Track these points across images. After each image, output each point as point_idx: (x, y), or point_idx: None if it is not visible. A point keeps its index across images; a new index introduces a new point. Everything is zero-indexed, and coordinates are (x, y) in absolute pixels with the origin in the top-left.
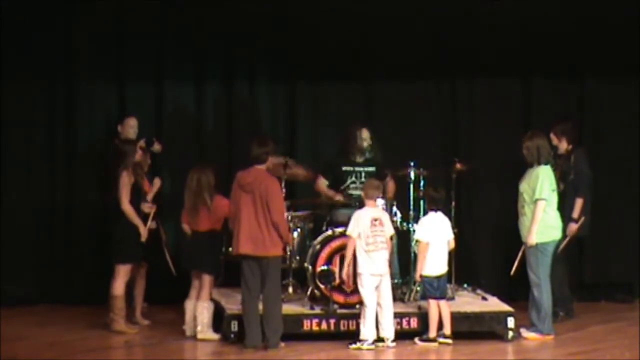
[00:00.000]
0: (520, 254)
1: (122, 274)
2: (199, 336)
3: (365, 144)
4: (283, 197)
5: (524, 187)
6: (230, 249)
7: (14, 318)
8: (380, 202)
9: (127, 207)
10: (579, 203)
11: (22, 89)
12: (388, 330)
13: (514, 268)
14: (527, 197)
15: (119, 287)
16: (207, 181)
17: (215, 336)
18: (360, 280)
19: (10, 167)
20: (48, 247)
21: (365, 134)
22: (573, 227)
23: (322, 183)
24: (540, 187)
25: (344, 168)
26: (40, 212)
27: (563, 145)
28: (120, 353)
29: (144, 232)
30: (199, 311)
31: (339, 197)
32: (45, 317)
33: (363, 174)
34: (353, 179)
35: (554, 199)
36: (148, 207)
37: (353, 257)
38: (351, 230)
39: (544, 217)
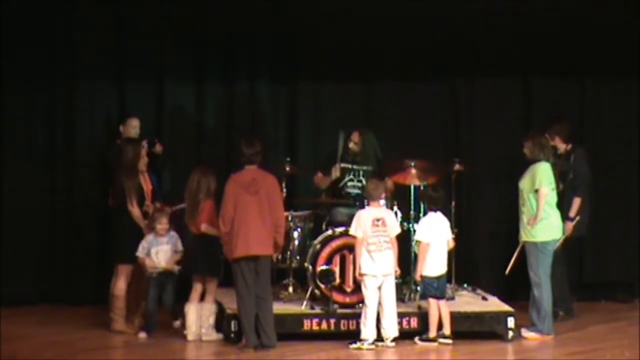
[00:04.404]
0: (516, 252)
1: (123, 274)
2: (204, 338)
3: (356, 148)
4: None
5: (523, 184)
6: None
7: (14, 318)
8: (381, 202)
9: (135, 209)
10: (576, 202)
11: (22, 89)
12: (390, 330)
13: (509, 267)
14: (526, 194)
15: (119, 287)
16: (207, 184)
17: (219, 336)
18: (363, 281)
19: (10, 167)
20: (48, 247)
21: (356, 137)
22: (569, 225)
23: (319, 177)
24: (540, 180)
25: (343, 165)
26: (40, 212)
27: (559, 145)
28: (120, 353)
29: (147, 232)
30: (205, 313)
31: (335, 171)
32: (45, 317)
33: (361, 173)
34: (351, 177)
35: (553, 196)
36: (148, 206)
37: (355, 257)
38: (354, 230)
39: (543, 216)
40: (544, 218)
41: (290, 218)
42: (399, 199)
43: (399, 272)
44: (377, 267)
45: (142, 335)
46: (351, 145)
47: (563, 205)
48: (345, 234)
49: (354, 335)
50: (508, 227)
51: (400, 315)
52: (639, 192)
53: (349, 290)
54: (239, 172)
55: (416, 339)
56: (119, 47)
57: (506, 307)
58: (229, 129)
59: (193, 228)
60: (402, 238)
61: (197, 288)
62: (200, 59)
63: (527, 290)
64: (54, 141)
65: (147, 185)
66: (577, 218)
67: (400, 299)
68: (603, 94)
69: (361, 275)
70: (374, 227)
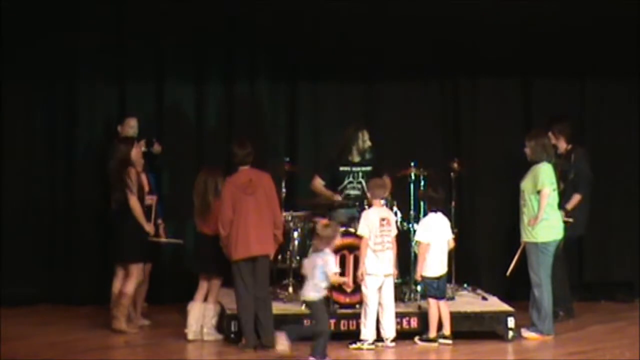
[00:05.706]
0: (518, 253)
1: (135, 272)
2: (206, 338)
3: (367, 145)
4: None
5: (525, 184)
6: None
7: (14, 318)
8: (382, 201)
9: (135, 204)
10: (576, 198)
11: (22, 89)
12: (389, 330)
13: (510, 267)
14: (527, 195)
15: (130, 285)
16: (214, 184)
17: (220, 336)
18: (364, 281)
19: (10, 167)
20: (48, 247)
21: (366, 135)
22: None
23: (319, 183)
24: (542, 181)
25: (342, 168)
26: (40, 212)
27: (562, 145)
28: (120, 353)
29: (150, 228)
30: (209, 314)
31: (337, 197)
32: (45, 317)
33: (360, 174)
34: (350, 179)
35: (554, 197)
36: (149, 200)
37: (355, 257)
38: (362, 230)
39: (544, 216)
40: (545, 219)
41: (290, 218)
42: (399, 199)
43: (396, 272)
44: (381, 267)
45: None
46: (360, 142)
47: (564, 205)
48: (346, 234)
49: (354, 335)
50: (508, 227)
51: (400, 315)
52: (639, 192)
53: (349, 290)
54: (235, 174)
55: (416, 339)
56: (119, 47)
57: (506, 307)
58: (229, 129)
59: (204, 228)
60: (402, 238)
61: (203, 287)
62: (200, 59)
63: (527, 290)
64: (54, 141)
65: (145, 181)
66: (571, 220)
67: (400, 299)
68: (603, 94)
69: (364, 275)
70: (380, 226)
